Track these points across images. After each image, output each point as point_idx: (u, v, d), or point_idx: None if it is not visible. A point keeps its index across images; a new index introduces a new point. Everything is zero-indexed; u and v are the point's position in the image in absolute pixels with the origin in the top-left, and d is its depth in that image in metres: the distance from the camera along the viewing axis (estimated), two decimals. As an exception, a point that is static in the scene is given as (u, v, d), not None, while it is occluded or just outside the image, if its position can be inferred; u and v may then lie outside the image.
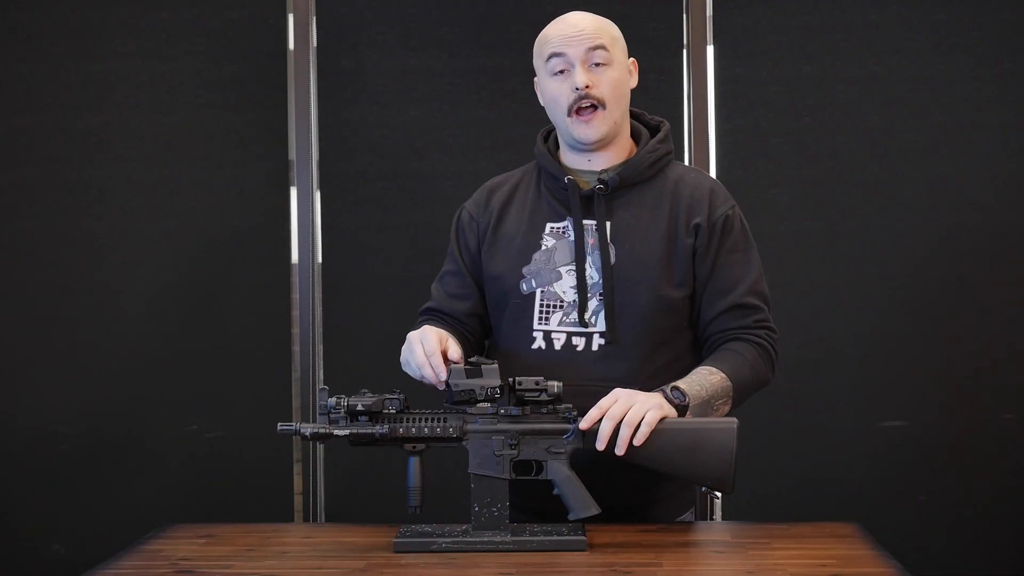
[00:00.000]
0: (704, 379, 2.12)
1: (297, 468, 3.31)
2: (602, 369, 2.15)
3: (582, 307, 2.18)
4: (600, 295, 2.18)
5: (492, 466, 2.04)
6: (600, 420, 2.01)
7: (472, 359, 2.06)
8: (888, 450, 3.23)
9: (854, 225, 3.23)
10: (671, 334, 2.21)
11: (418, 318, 2.34)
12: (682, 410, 2.05)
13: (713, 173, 3.25)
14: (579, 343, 2.18)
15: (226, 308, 3.29)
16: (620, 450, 2.00)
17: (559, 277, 2.21)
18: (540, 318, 2.20)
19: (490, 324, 2.32)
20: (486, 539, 2.00)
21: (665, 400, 2.05)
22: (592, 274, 2.19)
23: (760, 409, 3.19)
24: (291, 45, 3.29)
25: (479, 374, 2.04)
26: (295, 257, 3.30)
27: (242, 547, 2.09)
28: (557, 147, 2.30)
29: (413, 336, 2.10)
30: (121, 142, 3.29)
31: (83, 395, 3.28)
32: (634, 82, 2.30)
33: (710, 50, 3.26)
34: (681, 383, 2.09)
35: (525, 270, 2.22)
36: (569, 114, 2.20)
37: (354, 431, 2.03)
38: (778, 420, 3.21)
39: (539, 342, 2.19)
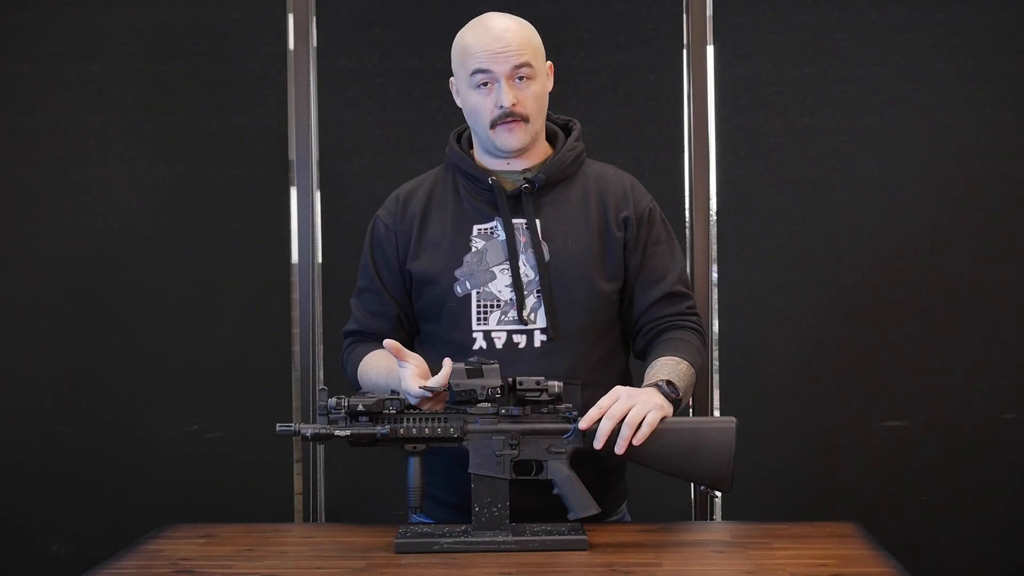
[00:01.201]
0: (676, 369, 2.15)
1: (297, 468, 3.31)
2: (545, 365, 2.16)
3: (520, 305, 2.20)
4: (537, 292, 2.20)
5: (492, 466, 2.04)
6: (599, 419, 2.01)
7: (472, 359, 2.06)
8: (888, 450, 3.22)
9: (854, 225, 3.23)
10: (606, 327, 2.26)
11: (343, 340, 2.35)
12: (676, 404, 2.08)
13: (713, 173, 3.25)
14: (520, 340, 2.20)
15: (226, 308, 3.29)
16: (620, 449, 2.00)
17: (493, 277, 2.22)
18: (478, 319, 2.21)
19: (414, 330, 2.32)
20: (487, 539, 2.00)
21: (663, 397, 2.06)
22: (527, 272, 2.21)
23: (760, 409, 3.21)
24: (291, 45, 3.29)
25: (480, 374, 2.04)
26: (295, 257, 3.30)
27: (242, 547, 2.09)
28: (471, 146, 2.31)
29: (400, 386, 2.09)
30: (121, 142, 3.29)
31: (83, 395, 3.28)
32: (550, 85, 2.29)
33: (710, 50, 3.26)
34: (671, 377, 2.11)
35: (458, 272, 2.23)
36: (492, 127, 2.21)
37: (355, 431, 2.03)
38: (778, 420, 3.21)
39: (480, 342, 2.21)
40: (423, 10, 3.27)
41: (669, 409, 2.05)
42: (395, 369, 2.12)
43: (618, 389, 2.05)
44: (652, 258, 2.27)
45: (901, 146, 3.23)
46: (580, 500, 2.04)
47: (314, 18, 3.28)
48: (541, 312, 2.20)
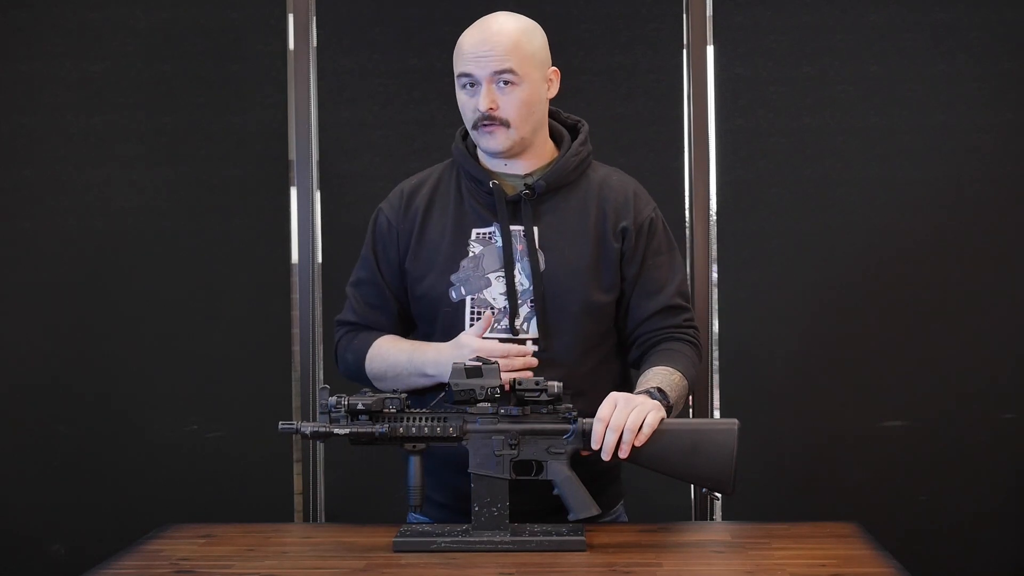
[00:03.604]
0: (669, 379, 2.13)
1: (297, 468, 3.31)
2: (536, 374, 2.13)
3: (513, 315, 2.18)
4: (531, 302, 2.18)
5: (492, 466, 2.04)
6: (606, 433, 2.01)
7: (473, 359, 2.06)
8: (888, 450, 3.22)
9: (854, 225, 3.23)
10: (600, 338, 2.24)
11: (337, 329, 2.34)
12: (667, 411, 2.07)
13: (713, 173, 3.25)
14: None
15: (226, 308, 3.29)
16: (623, 454, 2.00)
17: (488, 284, 2.21)
18: (472, 325, 2.19)
19: (412, 326, 2.32)
20: (486, 539, 2.00)
21: (653, 401, 2.05)
22: (522, 280, 2.20)
23: (760, 409, 3.21)
24: (291, 45, 3.29)
25: (479, 374, 2.04)
26: (295, 257, 3.30)
27: (242, 547, 2.09)
28: (476, 145, 2.29)
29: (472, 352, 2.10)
30: (120, 142, 3.29)
31: (83, 395, 3.28)
32: (554, 91, 2.27)
33: (710, 50, 3.26)
34: (662, 385, 2.10)
35: (454, 277, 2.22)
36: (474, 127, 2.20)
37: (354, 430, 2.03)
38: (778, 420, 3.21)
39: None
40: (423, 10, 3.27)
41: (664, 412, 2.05)
42: (420, 349, 2.14)
43: (613, 396, 2.03)
44: (651, 269, 2.25)
45: (901, 146, 3.23)
46: (580, 501, 2.04)
47: (314, 18, 3.28)
48: (534, 322, 2.19)
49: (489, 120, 2.17)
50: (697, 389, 2.29)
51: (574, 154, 2.26)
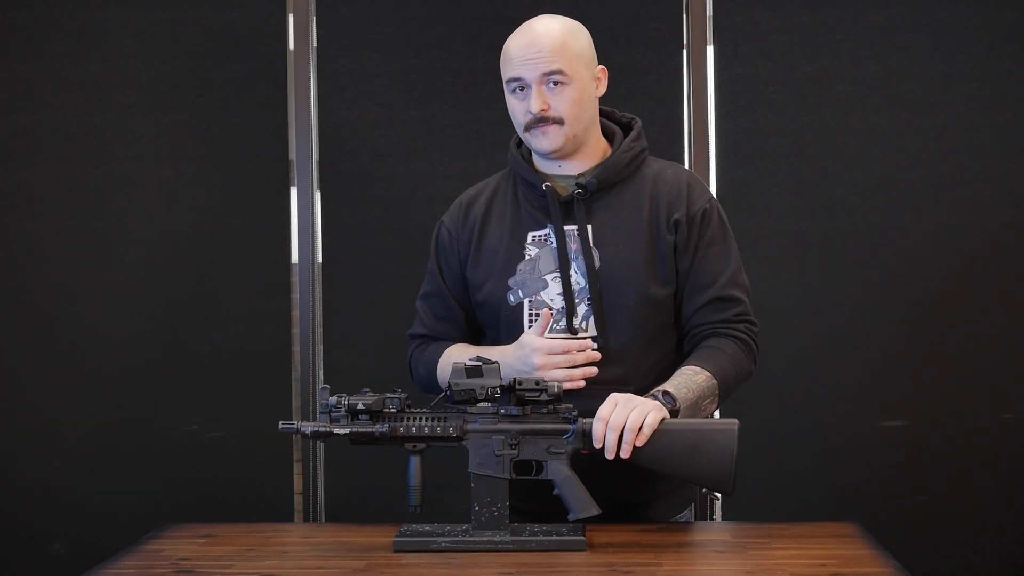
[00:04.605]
0: (690, 380, 2.12)
1: (297, 468, 3.31)
2: (597, 372, 2.15)
3: (570, 314, 2.19)
4: (588, 300, 2.19)
5: (492, 466, 2.04)
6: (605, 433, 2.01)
7: (473, 359, 2.06)
8: (888, 450, 3.22)
9: (854, 225, 3.23)
10: (659, 332, 2.23)
11: (410, 343, 2.35)
12: (673, 414, 2.05)
13: (713, 173, 3.25)
14: None
15: (226, 308, 3.29)
16: (625, 453, 2.00)
17: (545, 285, 2.22)
18: (531, 327, 2.20)
19: (480, 334, 2.32)
20: (486, 539, 2.00)
21: (655, 402, 2.05)
22: (578, 280, 2.20)
23: (760, 409, 3.21)
24: (291, 45, 3.29)
25: (479, 374, 2.04)
26: (295, 257, 3.30)
27: (242, 547, 2.09)
28: (531, 152, 2.29)
29: (531, 355, 2.11)
30: (121, 142, 3.29)
31: (83, 395, 3.28)
32: (602, 90, 2.28)
33: (710, 50, 3.26)
34: (669, 387, 2.09)
35: (511, 282, 2.23)
36: (526, 130, 2.21)
37: (355, 430, 2.03)
38: (778, 420, 3.21)
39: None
40: (423, 10, 3.27)
41: (666, 412, 2.04)
42: (485, 353, 2.13)
43: (614, 396, 2.03)
44: (703, 260, 2.22)
45: (901, 146, 3.23)
46: (580, 501, 2.04)
47: (314, 18, 3.28)
48: (592, 320, 2.19)
49: (542, 120, 2.18)
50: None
51: (626, 150, 2.25)
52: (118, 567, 1.97)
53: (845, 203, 3.24)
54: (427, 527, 2.07)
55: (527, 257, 2.23)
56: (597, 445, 2.02)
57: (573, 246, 2.21)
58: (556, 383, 2.05)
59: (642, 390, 2.11)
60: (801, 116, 3.24)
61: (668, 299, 2.22)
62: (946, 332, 3.22)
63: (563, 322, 2.19)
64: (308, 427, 2.04)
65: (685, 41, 3.26)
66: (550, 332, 2.18)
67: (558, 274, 2.20)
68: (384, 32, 3.28)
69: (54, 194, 3.29)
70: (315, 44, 3.29)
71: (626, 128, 2.31)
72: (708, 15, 3.25)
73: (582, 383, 2.13)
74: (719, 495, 3.20)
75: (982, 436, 3.21)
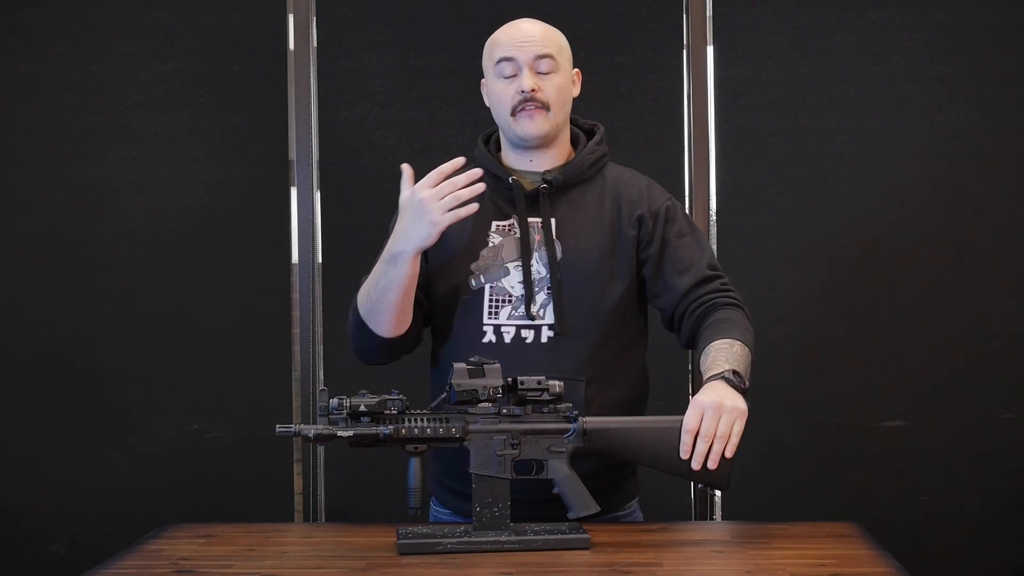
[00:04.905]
0: (734, 353, 2.12)
1: (297, 468, 3.31)
2: (551, 360, 2.19)
3: (528, 300, 2.23)
4: (548, 289, 2.23)
5: (494, 466, 2.04)
6: (694, 445, 2.01)
7: (473, 359, 2.06)
8: (888, 450, 3.23)
9: (854, 225, 3.23)
10: (617, 324, 2.27)
11: (350, 314, 2.30)
12: (745, 393, 2.06)
13: (713, 173, 3.25)
14: (528, 335, 2.23)
15: (226, 308, 3.29)
16: (712, 464, 2.00)
17: (507, 273, 2.26)
18: (490, 313, 2.25)
19: (427, 312, 2.32)
20: (490, 539, 2.00)
21: (735, 390, 2.05)
22: (539, 269, 2.25)
23: (760, 409, 3.20)
24: (291, 45, 3.29)
25: (481, 374, 2.04)
26: (295, 257, 3.30)
27: (242, 547, 2.09)
28: (498, 149, 2.38)
29: (412, 200, 2.13)
30: (121, 142, 3.29)
31: (83, 394, 3.28)
32: (576, 91, 2.36)
33: (710, 50, 3.26)
34: (737, 365, 2.09)
35: (474, 266, 2.28)
36: (513, 113, 2.27)
37: (358, 432, 2.03)
38: (778, 420, 3.21)
39: (489, 335, 2.24)
40: (423, 10, 3.27)
41: (746, 407, 2.03)
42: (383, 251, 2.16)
43: (700, 403, 2.02)
44: (678, 249, 2.27)
45: (901, 146, 3.23)
46: (580, 499, 2.04)
47: (314, 18, 3.28)
48: (550, 308, 2.23)
49: (531, 101, 2.24)
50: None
51: (590, 152, 2.34)
52: (118, 567, 1.97)
53: (845, 203, 3.24)
54: (426, 529, 2.07)
55: (491, 244, 2.28)
56: (684, 456, 2.01)
57: (536, 237, 2.27)
58: (557, 383, 2.05)
59: (594, 381, 2.17)
60: (801, 116, 3.24)
61: (625, 292, 2.27)
62: (946, 332, 3.22)
63: (522, 309, 2.24)
64: (311, 430, 2.03)
65: (685, 41, 3.26)
66: (509, 319, 2.24)
67: (520, 263, 2.25)
68: (384, 32, 3.28)
69: (54, 194, 3.29)
70: (315, 44, 3.29)
71: (589, 133, 2.40)
72: (708, 15, 3.25)
73: (481, 186, 2.13)
74: (718, 492, 3.20)
75: (982, 436, 3.21)
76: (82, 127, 3.29)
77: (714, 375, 2.08)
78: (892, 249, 3.23)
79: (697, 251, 2.30)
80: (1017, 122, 3.21)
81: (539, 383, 2.05)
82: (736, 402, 2.03)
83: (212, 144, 3.29)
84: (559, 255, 2.25)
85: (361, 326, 2.24)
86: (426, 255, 2.28)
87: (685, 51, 3.26)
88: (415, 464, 2.05)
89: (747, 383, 2.08)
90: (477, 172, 2.14)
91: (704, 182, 3.24)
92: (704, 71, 3.25)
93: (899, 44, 3.23)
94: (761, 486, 3.17)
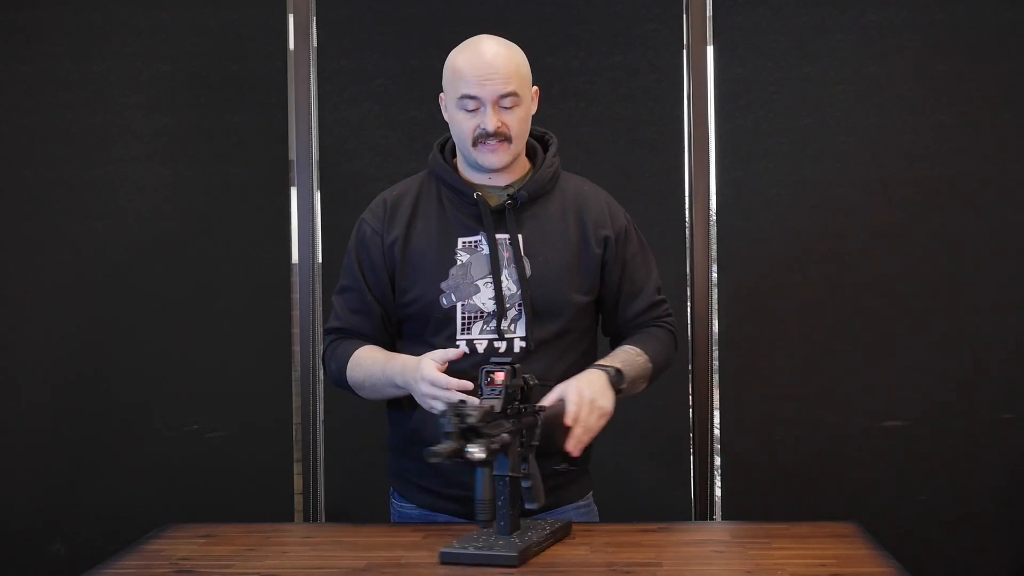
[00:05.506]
0: (633, 359, 2.28)
1: (297, 468, 3.31)
2: (522, 369, 2.17)
3: (500, 317, 2.27)
4: (519, 305, 2.27)
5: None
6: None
7: (495, 359, 2.08)
8: (888, 450, 3.23)
9: (854, 225, 3.23)
10: (579, 336, 2.35)
11: (325, 338, 2.41)
12: (619, 392, 2.19)
13: (713, 173, 3.25)
14: (500, 346, 2.27)
15: (226, 308, 3.29)
16: (576, 452, 2.10)
17: (477, 290, 2.29)
18: (462, 329, 2.27)
19: (396, 331, 2.37)
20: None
21: (610, 386, 2.17)
22: (510, 286, 2.28)
23: (760, 409, 3.21)
24: (291, 45, 3.29)
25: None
26: (295, 257, 3.30)
27: (242, 547, 2.09)
28: (453, 155, 2.38)
29: (419, 381, 2.15)
30: (121, 142, 3.29)
31: (83, 395, 3.28)
32: (535, 108, 2.36)
33: (710, 50, 3.26)
34: (622, 365, 2.23)
35: (443, 285, 2.29)
36: (475, 144, 2.28)
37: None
38: (778, 420, 3.21)
39: (463, 349, 2.25)
40: (423, 10, 3.27)
41: (612, 409, 2.15)
42: (392, 361, 2.22)
43: (581, 395, 2.11)
44: (630, 271, 2.38)
45: (901, 146, 3.23)
46: (539, 492, 2.05)
47: (314, 18, 3.28)
48: (521, 322, 2.27)
49: (493, 136, 2.25)
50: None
51: (548, 165, 2.36)
52: (118, 567, 1.98)
53: (845, 203, 3.24)
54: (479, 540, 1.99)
55: (459, 262, 2.29)
56: (569, 421, 2.09)
57: (506, 254, 2.29)
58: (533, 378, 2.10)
59: (562, 379, 2.20)
60: (801, 116, 3.24)
61: (590, 305, 2.36)
62: (946, 332, 3.22)
63: (492, 323, 2.26)
64: (477, 451, 1.90)
65: (685, 41, 3.26)
66: (480, 334, 2.26)
67: (490, 280, 2.27)
68: (384, 32, 3.28)
69: (54, 194, 3.29)
70: (315, 44, 3.29)
71: (541, 141, 2.41)
72: (708, 15, 3.25)
73: (469, 385, 2.14)
74: (712, 490, 3.20)
75: (982, 436, 3.22)
76: (82, 127, 3.29)
77: (601, 365, 2.22)
78: (891, 249, 3.23)
79: (645, 274, 2.40)
80: (1017, 122, 3.22)
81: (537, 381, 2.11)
82: (605, 401, 2.15)
83: (212, 144, 3.29)
84: (528, 272, 2.28)
85: (343, 383, 2.33)
86: (393, 284, 2.32)
87: (685, 51, 3.26)
88: (483, 474, 1.98)
89: (624, 385, 2.21)
90: (468, 385, 2.11)
91: (704, 182, 3.24)
92: (704, 71, 3.25)
93: (899, 44, 3.23)
94: (761, 486, 3.17)
